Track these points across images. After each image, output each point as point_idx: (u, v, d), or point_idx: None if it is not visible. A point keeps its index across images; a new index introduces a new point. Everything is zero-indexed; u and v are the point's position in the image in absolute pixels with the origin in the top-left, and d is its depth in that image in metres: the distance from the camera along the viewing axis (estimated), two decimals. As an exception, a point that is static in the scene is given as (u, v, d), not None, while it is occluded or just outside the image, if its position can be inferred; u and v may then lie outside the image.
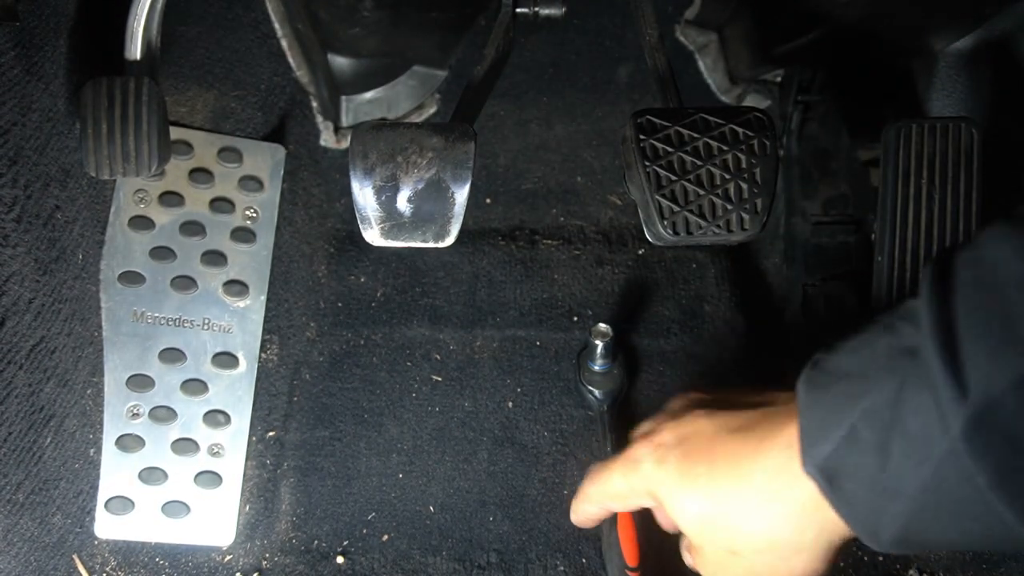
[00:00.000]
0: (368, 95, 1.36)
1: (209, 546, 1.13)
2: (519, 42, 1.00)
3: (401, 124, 0.74)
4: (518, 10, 1.00)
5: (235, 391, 1.17)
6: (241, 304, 1.18)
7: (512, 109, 1.37)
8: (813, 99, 1.26)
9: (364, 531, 1.13)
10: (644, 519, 0.87)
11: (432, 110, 1.37)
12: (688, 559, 0.71)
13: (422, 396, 1.20)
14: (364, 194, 0.72)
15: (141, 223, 1.16)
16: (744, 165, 0.73)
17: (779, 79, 1.34)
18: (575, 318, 1.24)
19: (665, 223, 0.73)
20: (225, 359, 1.17)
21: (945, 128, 0.97)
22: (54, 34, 1.00)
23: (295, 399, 1.20)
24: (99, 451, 1.11)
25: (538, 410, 1.19)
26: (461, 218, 0.72)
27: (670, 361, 1.22)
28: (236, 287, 1.18)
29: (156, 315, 1.15)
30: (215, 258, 1.18)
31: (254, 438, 1.18)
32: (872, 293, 1.02)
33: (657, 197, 0.73)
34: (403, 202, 0.72)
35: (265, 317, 1.19)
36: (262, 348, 1.19)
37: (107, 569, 1.11)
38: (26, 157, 0.94)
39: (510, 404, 1.19)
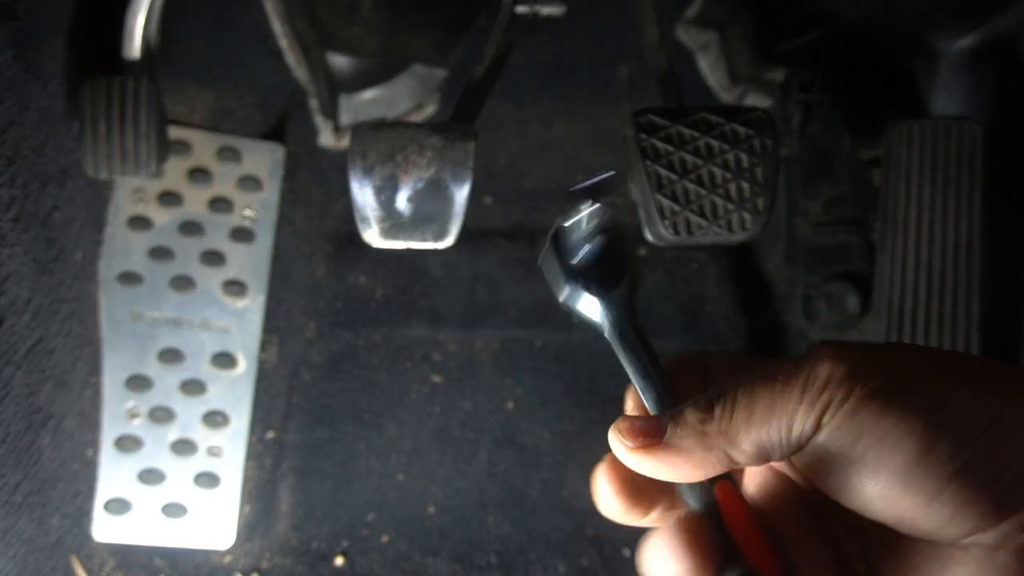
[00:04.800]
0: (367, 94, 1.35)
1: (209, 548, 1.13)
2: (519, 42, 1.00)
3: (401, 123, 0.74)
4: (518, 9, 1.00)
5: (234, 391, 1.16)
6: (240, 304, 1.18)
7: (512, 109, 1.36)
8: (814, 98, 1.26)
9: (364, 532, 1.13)
10: None
11: (432, 109, 1.36)
12: None
13: (422, 397, 1.19)
14: (363, 194, 0.71)
15: (139, 223, 1.15)
16: (745, 165, 0.73)
17: (780, 78, 1.33)
18: (575, 318, 1.24)
19: (666, 223, 0.72)
20: (224, 359, 1.16)
21: (947, 128, 0.96)
22: (53, 33, 0.99)
23: (294, 400, 1.20)
24: (97, 452, 1.11)
25: (538, 411, 1.18)
26: (461, 218, 0.72)
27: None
28: (235, 287, 1.18)
29: (155, 315, 1.14)
30: (214, 258, 1.17)
31: (253, 439, 1.17)
32: (874, 293, 1.02)
33: (658, 197, 0.72)
34: (403, 202, 0.72)
35: (264, 317, 1.19)
36: (261, 348, 1.19)
37: (106, 570, 1.10)
38: (24, 156, 0.93)
39: (510, 405, 1.19)
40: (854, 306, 1.21)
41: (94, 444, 1.11)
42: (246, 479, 1.16)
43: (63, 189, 1.02)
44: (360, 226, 0.73)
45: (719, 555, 0.40)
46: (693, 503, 0.42)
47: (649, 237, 0.75)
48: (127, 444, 1.12)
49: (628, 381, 0.48)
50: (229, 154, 1.19)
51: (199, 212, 1.17)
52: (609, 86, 1.38)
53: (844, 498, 0.39)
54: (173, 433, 1.14)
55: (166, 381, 1.14)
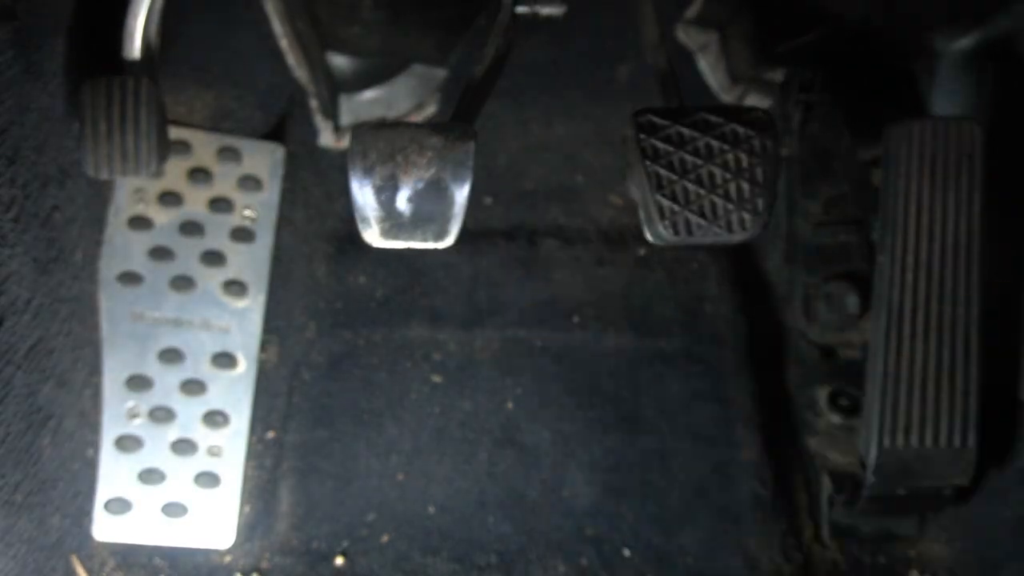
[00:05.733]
0: (367, 94, 1.36)
1: (209, 548, 1.13)
2: (519, 42, 1.00)
3: (401, 123, 0.74)
4: (518, 10, 1.00)
5: (234, 391, 1.16)
6: (240, 304, 1.18)
7: (512, 109, 1.37)
8: (814, 98, 1.26)
9: (364, 532, 1.13)
10: None
11: (432, 109, 1.36)
12: None
13: (422, 397, 1.20)
14: (364, 194, 0.72)
15: (140, 223, 1.15)
16: (745, 165, 0.73)
17: (780, 78, 1.33)
18: (575, 318, 1.24)
19: (666, 223, 0.73)
20: (224, 359, 1.17)
21: (947, 128, 0.96)
22: (53, 34, 0.99)
23: (294, 400, 1.20)
24: (97, 452, 1.11)
25: (538, 411, 1.18)
26: (461, 218, 0.72)
27: (670, 361, 1.22)
28: (235, 287, 1.18)
29: (155, 315, 1.15)
30: (214, 258, 1.17)
31: (253, 438, 1.17)
32: (874, 293, 1.02)
33: (658, 197, 0.73)
34: (403, 202, 0.72)
35: (264, 317, 1.19)
36: (261, 348, 1.19)
37: (106, 569, 1.10)
38: (24, 157, 0.94)
39: (510, 405, 1.19)
40: (854, 306, 1.21)
41: (94, 444, 1.11)
42: (246, 479, 1.16)
43: (63, 189, 1.02)
44: (360, 226, 0.73)
45: None
46: None
47: (649, 237, 0.76)
48: (127, 444, 1.13)
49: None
50: (229, 154, 1.20)
51: (199, 212, 1.17)
52: (609, 86, 1.38)
53: None
54: (173, 433, 1.14)
55: (166, 381, 1.14)
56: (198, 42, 1.20)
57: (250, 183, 1.20)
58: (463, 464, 1.16)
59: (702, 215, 0.73)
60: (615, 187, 1.35)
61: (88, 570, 1.08)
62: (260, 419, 1.18)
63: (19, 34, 0.93)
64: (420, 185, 0.72)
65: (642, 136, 0.74)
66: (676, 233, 0.73)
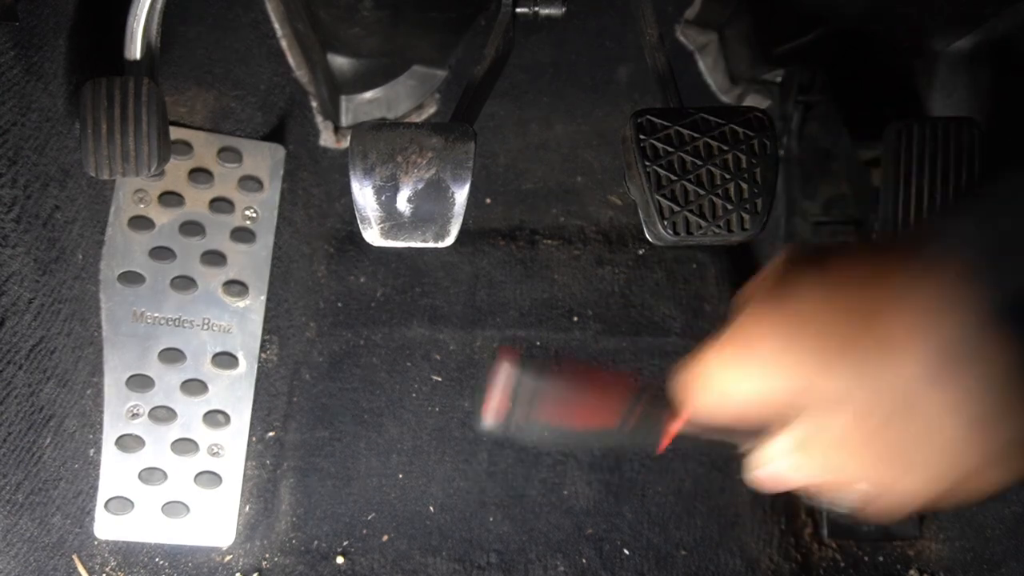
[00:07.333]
0: (368, 95, 1.36)
1: (209, 546, 1.13)
2: (519, 42, 1.00)
3: (401, 124, 0.74)
4: (518, 10, 1.00)
5: (235, 391, 1.17)
6: (241, 304, 1.18)
7: (512, 109, 1.37)
8: (813, 99, 1.26)
9: (364, 531, 1.13)
10: None
11: (432, 110, 1.37)
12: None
13: (422, 396, 1.20)
14: (364, 194, 0.72)
15: (141, 223, 1.16)
16: (744, 165, 0.73)
17: (779, 79, 1.34)
18: (575, 318, 1.24)
19: (665, 223, 0.73)
20: (225, 359, 1.17)
21: (946, 128, 0.97)
22: (54, 34, 0.99)
23: (295, 399, 1.20)
24: (99, 451, 1.11)
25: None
26: (461, 218, 0.72)
27: (670, 361, 1.22)
28: (236, 287, 1.18)
29: (156, 315, 1.15)
30: (215, 258, 1.18)
31: (254, 438, 1.18)
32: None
33: (657, 197, 0.73)
34: (403, 202, 0.72)
35: (265, 317, 1.19)
36: (262, 348, 1.19)
37: (107, 569, 1.10)
38: (25, 157, 0.94)
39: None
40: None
41: (95, 443, 1.11)
42: (247, 478, 1.16)
43: (64, 189, 1.02)
44: (361, 226, 0.73)
45: None
46: None
47: (649, 237, 0.76)
48: (128, 443, 1.13)
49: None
50: (230, 155, 1.20)
51: (200, 212, 1.18)
52: (609, 86, 1.38)
53: None
54: (174, 432, 1.14)
55: (167, 381, 1.14)
56: (199, 42, 1.20)
57: (251, 183, 1.20)
58: (463, 464, 1.16)
59: (701, 215, 0.73)
60: (615, 187, 1.35)
61: (89, 569, 1.08)
62: (260, 419, 1.18)
63: (20, 34, 0.93)
64: (420, 185, 0.72)
65: (641, 137, 0.74)
66: (676, 233, 0.73)
